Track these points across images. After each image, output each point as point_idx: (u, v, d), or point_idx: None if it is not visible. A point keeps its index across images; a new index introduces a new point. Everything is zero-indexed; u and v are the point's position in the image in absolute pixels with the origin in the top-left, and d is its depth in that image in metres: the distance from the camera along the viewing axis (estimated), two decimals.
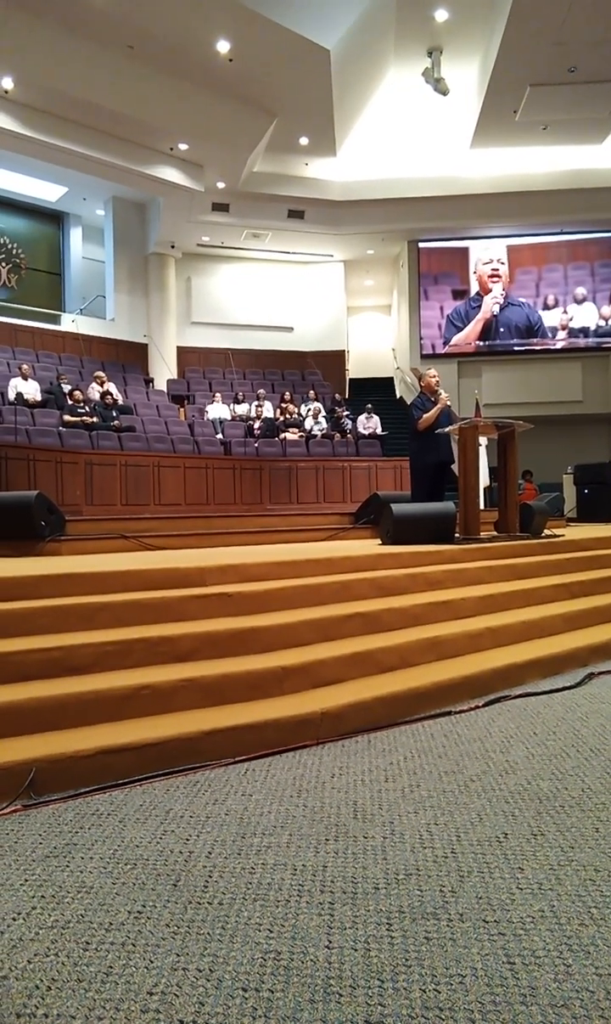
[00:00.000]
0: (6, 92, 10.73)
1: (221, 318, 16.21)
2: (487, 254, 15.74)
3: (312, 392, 13.91)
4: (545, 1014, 1.25)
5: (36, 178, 13.84)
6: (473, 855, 1.82)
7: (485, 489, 8.73)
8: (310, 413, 12.58)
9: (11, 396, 10.20)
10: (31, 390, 10.47)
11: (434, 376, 6.65)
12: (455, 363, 15.61)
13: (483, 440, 8.12)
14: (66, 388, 10.80)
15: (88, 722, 2.54)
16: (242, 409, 12.97)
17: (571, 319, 15.62)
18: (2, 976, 1.37)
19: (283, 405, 13.00)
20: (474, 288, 15.80)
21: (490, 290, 15.70)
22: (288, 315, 16.65)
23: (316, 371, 16.10)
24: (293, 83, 11.43)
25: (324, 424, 12.50)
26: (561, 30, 10.06)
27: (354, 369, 17.42)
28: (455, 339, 15.81)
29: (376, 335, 18.69)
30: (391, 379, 17.16)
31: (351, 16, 10.61)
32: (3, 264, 14.79)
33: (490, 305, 15.69)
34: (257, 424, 12.03)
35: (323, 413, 12.79)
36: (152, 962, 1.41)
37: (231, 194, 14.04)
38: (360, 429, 12.77)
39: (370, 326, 18.93)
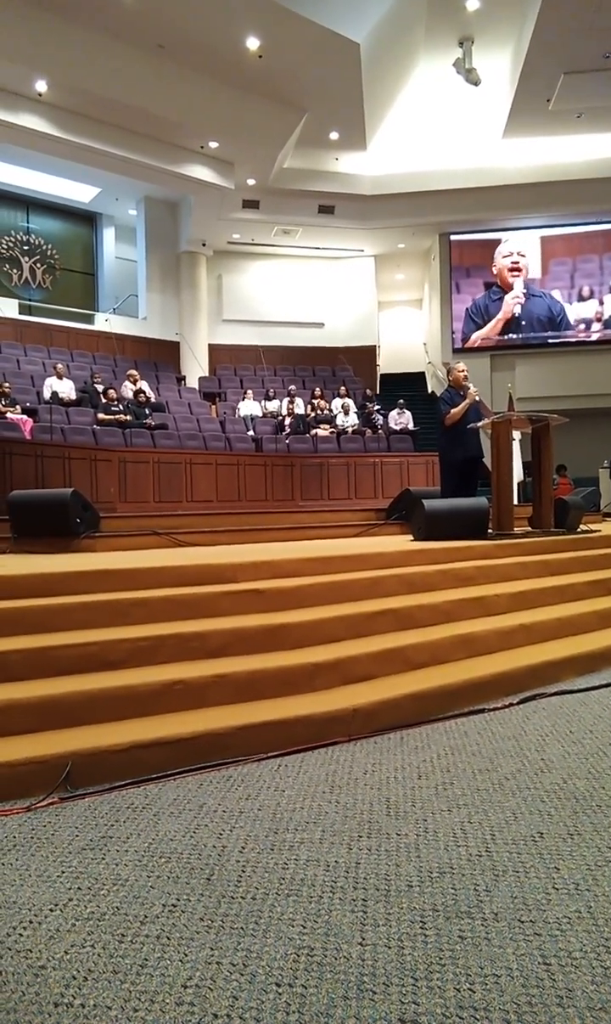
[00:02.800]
0: (40, 95, 10.88)
1: (252, 315, 16.24)
2: (507, 247, 15.45)
3: (343, 388, 13.87)
4: (582, 1017, 1.23)
5: (69, 179, 14.02)
6: (508, 854, 1.80)
7: (519, 484, 8.62)
8: (341, 409, 12.54)
9: (46, 395, 10.35)
10: (66, 389, 10.61)
11: (463, 371, 6.48)
12: (487, 356, 15.41)
13: (517, 434, 8.02)
14: (100, 387, 10.92)
15: (122, 717, 2.57)
16: (273, 406, 12.98)
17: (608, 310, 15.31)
18: (40, 966, 1.40)
19: (314, 401, 12.98)
20: None
21: (511, 285, 15.41)
22: (319, 311, 16.62)
23: (347, 367, 16.03)
24: (323, 78, 11.39)
25: (355, 420, 12.45)
26: (595, 15, 9.86)
27: (385, 364, 17.32)
28: (474, 336, 15.59)
29: (407, 330, 18.53)
30: (423, 374, 17.03)
31: (381, 8, 10.53)
32: (38, 265, 15.01)
33: (512, 305, 15.42)
34: (288, 420, 12.03)
35: (354, 409, 12.74)
36: (186, 955, 1.42)
37: (261, 191, 14.05)
38: (391, 425, 12.70)
39: (401, 321, 18.79)
